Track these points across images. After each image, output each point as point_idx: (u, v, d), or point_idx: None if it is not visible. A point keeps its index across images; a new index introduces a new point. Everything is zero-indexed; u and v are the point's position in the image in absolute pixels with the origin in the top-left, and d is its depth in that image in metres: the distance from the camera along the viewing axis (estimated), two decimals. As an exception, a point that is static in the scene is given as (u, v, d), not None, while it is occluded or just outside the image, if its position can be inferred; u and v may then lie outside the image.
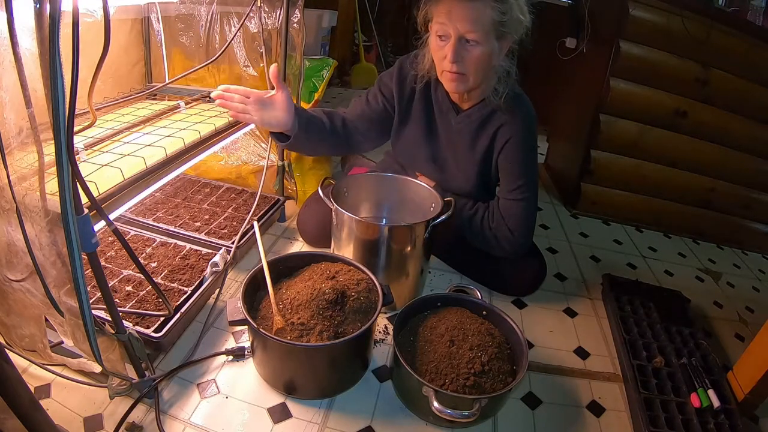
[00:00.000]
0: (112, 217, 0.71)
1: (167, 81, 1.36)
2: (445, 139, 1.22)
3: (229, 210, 1.40)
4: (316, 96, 1.63)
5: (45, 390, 0.87)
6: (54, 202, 0.58)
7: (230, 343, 1.03)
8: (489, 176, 1.22)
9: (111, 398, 0.84)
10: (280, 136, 1.11)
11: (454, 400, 0.82)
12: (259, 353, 0.92)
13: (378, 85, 1.25)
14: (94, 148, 0.87)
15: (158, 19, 1.38)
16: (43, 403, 0.83)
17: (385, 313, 1.17)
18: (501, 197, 1.19)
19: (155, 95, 1.28)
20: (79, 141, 0.85)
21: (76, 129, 0.64)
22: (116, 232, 0.69)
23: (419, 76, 1.17)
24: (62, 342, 0.84)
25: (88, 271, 0.64)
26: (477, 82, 1.07)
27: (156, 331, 0.91)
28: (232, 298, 1.04)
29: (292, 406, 0.90)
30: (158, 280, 1.08)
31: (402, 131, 1.26)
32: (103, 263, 1.10)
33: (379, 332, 1.11)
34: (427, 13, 1.04)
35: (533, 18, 1.04)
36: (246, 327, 1.00)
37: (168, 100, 1.24)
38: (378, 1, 3.32)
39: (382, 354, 1.05)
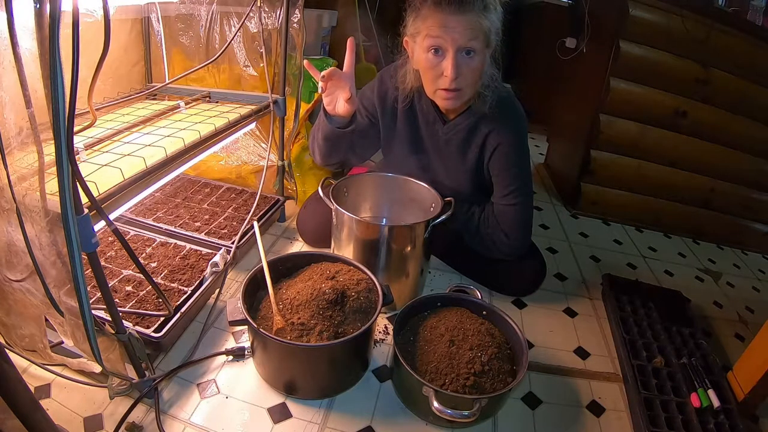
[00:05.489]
0: (112, 217, 0.71)
1: (167, 81, 1.36)
2: (433, 150, 1.21)
3: (229, 210, 1.40)
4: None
5: (45, 390, 0.87)
6: (54, 202, 0.58)
7: (230, 343, 1.03)
8: (482, 181, 1.22)
9: (111, 398, 0.84)
10: (340, 121, 1.10)
11: (454, 400, 0.82)
12: (259, 353, 0.92)
13: (360, 98, 1.23)
14: (94, 148, 0.87)
15: (158, 19, 1.38)
16: (43, 403, 0.83)
17: (385, 313, 1.17)
18: (495, 202, 1.18)
19: (155, 95, 1.28)
20: (79, 141, 0.85)
21: (76, 129, 0.64)
22: (116, 232, 0.69)
23: (402, 96, 1.15)
24: (62, 342, 0.84)
25: (88, 271, 0.64)
26: (471, 94, 1.06)
27: (156, 331, 0.91)
28: (232, 298, 1.05)
29: (292, 406, 0.90)
30: (158, 280, 1.08)
31: (389, 145, 1.26)
32: (103, 263, 1.10)
33: (379, 332, 1.11)
34: (414, 28, 1.01)
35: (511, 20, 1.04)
36: (246, 327, 0.99)
37: (168, 100, 1.25)
38: (378, 1, 3.32)
39: (382, 354, 1.05)
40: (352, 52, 1.02)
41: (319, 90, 1.05)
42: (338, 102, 1.05)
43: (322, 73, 1.00)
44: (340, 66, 1.06)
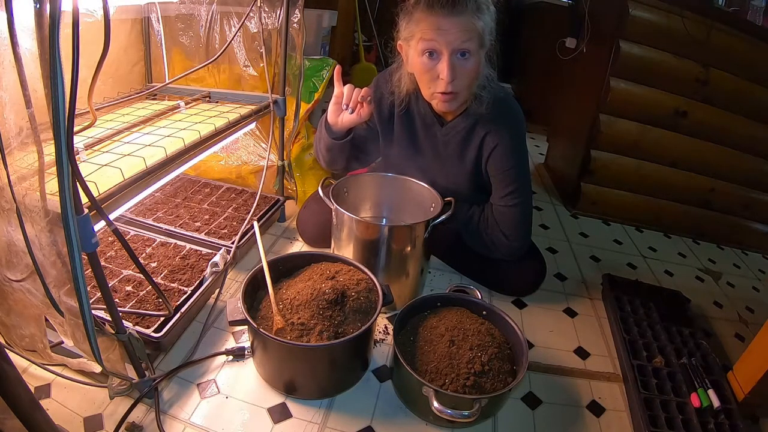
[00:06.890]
0: (112, 217, 0.71)
1: (167, 81, 1.36)
2: (431, 152, 1.21)
3: (229, 210, 1.40)
4: (316, 96, 1.63)
5: (45, 390, 0.87)
6: (54, 202, 0.58)
7: (230, 343, 1.03)
8: (481, 182, 1.22)
9: (111, 398, 0.84)
10: (338, 133, 1.14)
11: (454, 400, 0.82)
12: (259, 353, 0.92)
13: None
14: (94, 148, 0.87)
15: (158, 19, 1.38)
16: (43, 403, 0.83)
17: (385, 313, 1.17)
18: (494, 203, 1.18)
19: (155, 95, 1.28)
20: (79, 141, 0.85)
21: (76, 129, 0.64)
22: (116, 232, 0.69)
23: (398, 100, 1.16)
24: (62, 342, 0.84)
25: (88, 271, 0.64)
26: (468, 95, 1.06)
27: (156, 331, 0.91)
28: (232, 298, 1.04)
29: (292, 406, 0.90)
30: (158, 280, 1.08)
31: (387, 149, 1.26)
32: (103, 263, 1.10)
33: (379, 332, 1.11)
34: (407, 32, 1.01)
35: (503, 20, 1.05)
36: (246, 327, 1.00)
37: (168, 100, 1.24)
38: (378, 1, 3.31)
39: (382, 354, 1.05)
40: (340, 81, 1.07)
41: (344, 106, 1.08)
42: (343, 114, 1.08)
43: (362, 94, 1.04)
44: (341, 65, 1.07)
